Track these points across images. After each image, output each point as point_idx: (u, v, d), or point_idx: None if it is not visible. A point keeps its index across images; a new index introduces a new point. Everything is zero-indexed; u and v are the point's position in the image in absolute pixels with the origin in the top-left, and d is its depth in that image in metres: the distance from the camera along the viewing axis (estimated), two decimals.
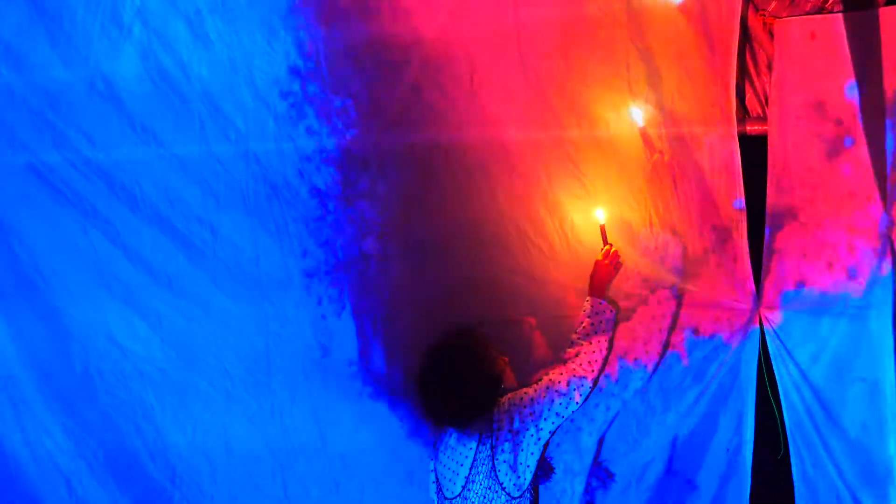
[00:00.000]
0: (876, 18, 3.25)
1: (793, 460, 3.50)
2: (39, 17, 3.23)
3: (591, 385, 3.11)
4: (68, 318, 3.44)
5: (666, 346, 3.48)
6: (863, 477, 3.47)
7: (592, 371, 3.12)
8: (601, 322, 3.22)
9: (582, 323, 3.25)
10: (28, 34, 3.24)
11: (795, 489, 3.52)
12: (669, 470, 3.58)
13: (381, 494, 3.66)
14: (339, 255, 3.46)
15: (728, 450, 3.52)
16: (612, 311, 3.26)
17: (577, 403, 3.07)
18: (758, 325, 3.44)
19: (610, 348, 3.24)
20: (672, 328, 3.48)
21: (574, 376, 3.09)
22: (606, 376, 3.46)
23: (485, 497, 3.03)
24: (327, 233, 3.44)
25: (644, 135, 3.36)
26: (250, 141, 3.38)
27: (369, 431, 3.60)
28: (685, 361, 3.49)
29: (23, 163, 3.33)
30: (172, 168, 3.37)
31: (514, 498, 3.02)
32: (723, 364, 3.49)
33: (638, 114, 3.34)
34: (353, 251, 3.46)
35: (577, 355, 3.16)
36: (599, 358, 3.16)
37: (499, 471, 3.02)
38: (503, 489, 3.01)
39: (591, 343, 3.17)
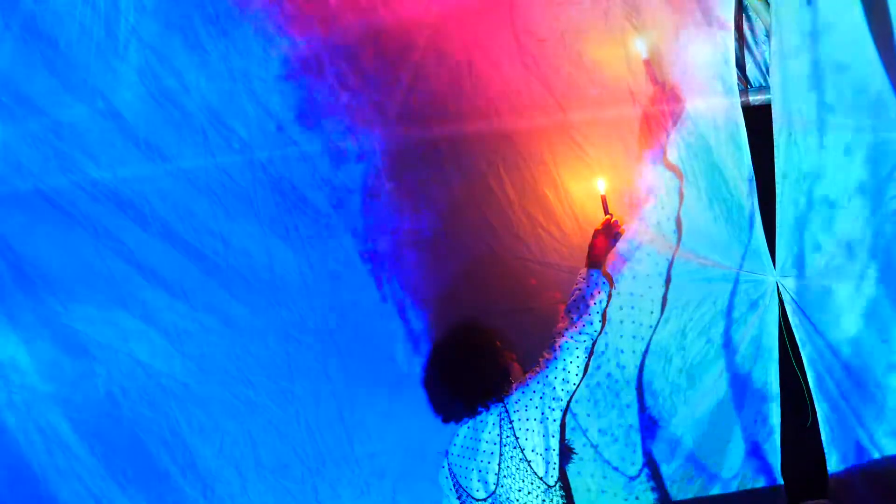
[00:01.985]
0: None
1: (822, 427, 3.48)
2: (35, 42, 3.26)
3: (586, 357, 3.07)
4: (88, 339, 3.48)
5: (683, 320, 3.47)
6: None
7: (585, 343, 3.08)
8: (594, 293, 3.16)
9: (574, 295, 3.18)
10: (25, 61, 3.27)
11: (826, 457, 3.50)
12: (700, 445, 3.56)
13: (413, 494, 3.67)
14: (354, 256, 3.47)
15: (756, 421, 3.51)
16: (606, 282, 3.21)
17: (576, 377, 3.04)
18: (777, 296, 3.42)
19: (604, 320, 3.18)
20: (687, 304, 3.47)
21: (568, 352, 3.05)
22: (621, 361, 3.48)
23: (520, 490, 3.00)
24: (339, 235, 3.46)
25: (646, 111, 3.36)
26: (254, 149, 3.39)
27: (397, 430, 3.61)
28: (705, 335, 3.48)
29: (30, 189, 3.37)
30: (179, 182, 3.39)
31: (550, 487, 3.00)
32: (744, 336, 3.47)
33: (642, 45, 3.33)
34: (367, 251, 3.48)
35: (568, 329, 3.10)
36: (592, 330, 3.11)
37: (531, 461, 2.99)
38: (540, 479, 2.99)
39: (583, 316, 3.12)
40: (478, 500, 3.06)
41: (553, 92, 3.38)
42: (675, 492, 3.62)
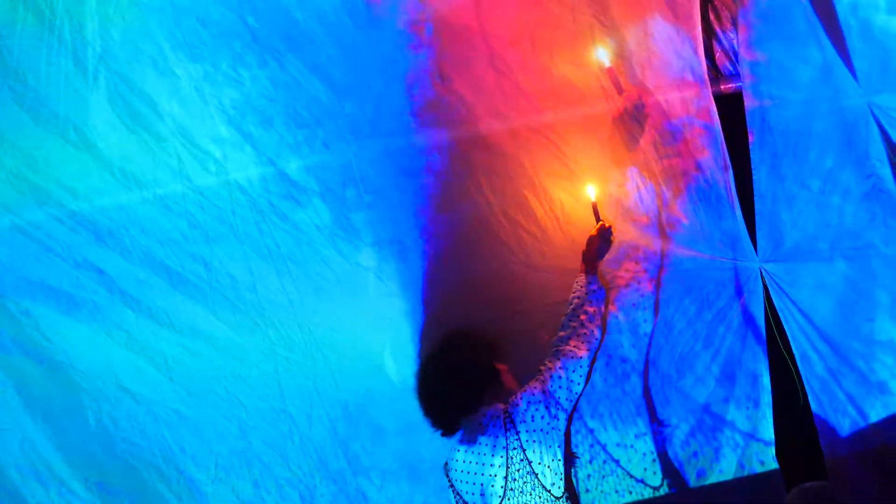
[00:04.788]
0: None
1: (812, 406, 3.49)
2: (3, 77, 3.25)
3: (588, 366, 3.07)
4: (75, 372, 3.46)
5: (668, 313, 3.48)
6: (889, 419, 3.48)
7: (587, 351, 3.08)
8: (593, 301, 3.17)
9: (572, 303, 3.19)
10: None
11: (819, 435, 3.51)
12: (693, 434, 3.57)
13: None
14: (336, 271, 3.46)
15: (748, 408, 3.52)
16: (602, 288, 3.21)
17: (579, 386, 3.04)
18: (760, 282, 3.44)
19: (604, 327, 3.19)
20: (673, 295, 3.48)
21: (571, 361, 3.05)
22: (614, 353, 3.49)
23: (527, 503, 2.96)
24: (320, 250, 3.45)
25: (624, 108, 3.38)
26: (230, 170, 3.39)
27: (392, 444, 3.59)
28: (691, 327, 3.49)
29: (8, 225, 3.35)
30: (157, 208, 3.39)
31: (557, 498, 2.98)
32: (730, 325, 3.48)
33: (603, 55, 3.35)
34: (349, 265, 3.47)
35: (569, 339, 3.10)
36: (593, 338, 3.11)
37: (538, 473, 2.97)
38: (547, 491, 2.96)
39: (583, 324, 3.12)
40: None
41: (526, 93, 3.40)
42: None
